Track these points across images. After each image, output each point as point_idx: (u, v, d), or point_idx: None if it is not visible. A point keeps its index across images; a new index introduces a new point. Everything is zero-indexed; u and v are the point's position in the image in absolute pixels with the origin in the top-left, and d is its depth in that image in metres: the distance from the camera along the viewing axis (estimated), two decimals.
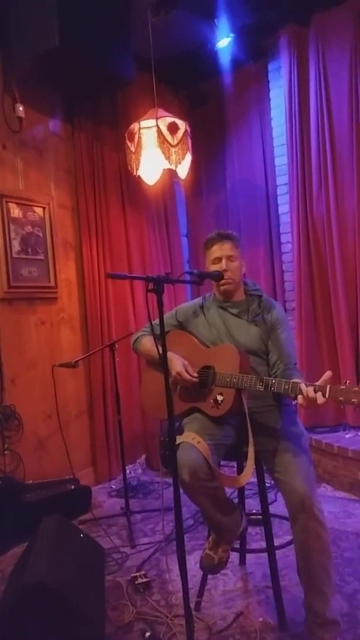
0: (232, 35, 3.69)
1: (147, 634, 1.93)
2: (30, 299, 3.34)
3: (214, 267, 2.08)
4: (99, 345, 3.52)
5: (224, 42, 3.73)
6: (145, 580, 2.28)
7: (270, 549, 1.98)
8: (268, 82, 4.03)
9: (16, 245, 3.24)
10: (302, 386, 1.66)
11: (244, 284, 2.16)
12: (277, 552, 2.04)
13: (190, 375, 1.96)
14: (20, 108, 3.29)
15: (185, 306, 2.25)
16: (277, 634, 1.89)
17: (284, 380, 1.76)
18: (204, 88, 4.39)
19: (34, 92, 3.40)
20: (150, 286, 1.65)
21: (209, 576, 2.16)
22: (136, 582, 2.27)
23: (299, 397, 1.66)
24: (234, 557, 2.37)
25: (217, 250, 2.08)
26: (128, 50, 3.31)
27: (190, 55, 3.91)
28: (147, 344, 2.15)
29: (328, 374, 1.66)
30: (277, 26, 3.71)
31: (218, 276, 2.04)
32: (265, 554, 2.04)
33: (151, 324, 1.77)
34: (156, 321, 1.69)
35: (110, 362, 3.33)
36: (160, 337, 1.69)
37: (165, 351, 1.66)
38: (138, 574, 2.33)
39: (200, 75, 4.24)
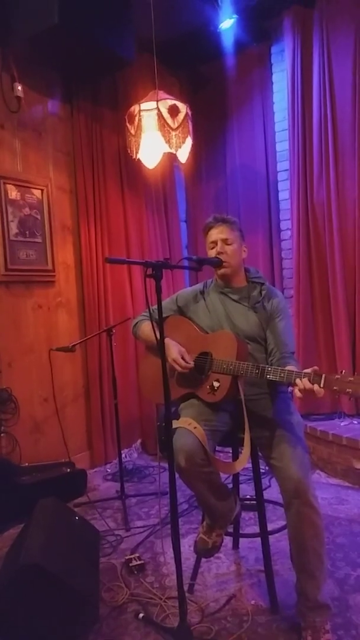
0: (235, 16, 3.62)
1: (141, 615, 1.95)
2: (27, 282, 3.32)
3: (210, 252, 2.07)
4: (96, 329, 3.52)
5: (226, 23, 3.66)
6: (139, 562, 2.30)
7: (264, 534, 2.01)
8: (271, 65, 3.98)
9: (14, 228, 3.22)
10: (298, 380, 1.65)
11: (246, 270, 2.15)
12: (270, 537, 2.06)
13: (185, 363, 1.95)
14: (19, 87, 3.23)
15: (186, 291, 2.24)
16: (268, 617, 1.92)
17: (279, 368, 1.76)
18: (205, 70, 4.33)
19: (33, 72, 3.34)
20: (149, 271, 1.64)
21: (203, 559, 2.19)
22: (130, 565, 2.29)
23: (296, 389, 1.66)
24: (228, 541, 2.39)
25: (213, 234, 2.07)
26: (129, 30, 3.25)
27: (192, 36, 3.84)
28: (146, 329, 2.14)
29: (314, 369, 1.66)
30: (281, 7, 3.66)
31: (217, 262, 2.02)
32: (259, 539, 2.06)
33: (149, 308, 1.77)
34: (156, 306, 1.68)
35: (107, 346, 3.34)
36: (159, 323, 1.69)
37: (162, 337, 1.66)
38: (132, 556, 2.35)
39: (202, 57, 4.17)
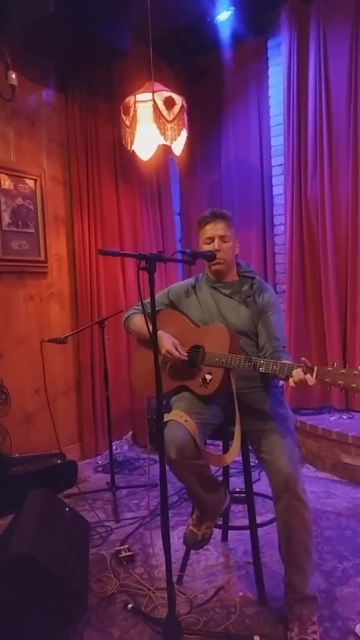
0: (232, 8, 3.61)
1: (130, 606, 1.97)
2: (20, 272, 3.30)
3: (206, 247, 2.06)
4: (88, 321, 3.51)
5: (223, 15, 3.65)
6: (128, 553, 2.32)
7: (253, 527, 2.02)
8: (267, 59, 3.96)
9: (6, 218, 3.19)
10: (293, 371, 1.66)
11: (237, 265, 2.15)
12: (258, 529, 2.08)
13: (180, 354, 1.96)
14: (13, 75, 3.19)
15: (178, 285, 2.24)
16: (256, 608, 1.94)
17: (272, 360, 1.77)
18: (201, 62, 4.30)
19: (28, 60, 3.30)
20: (142, 264, 1.63)
21: (192, 551, 2.20)
22: (120, 556, 2.30)
23: (290, 380, 1.67)
24: (217, 533, 2.41)
25: (210, 229, 2.06)
26: (125, 20, 3.23)
27: (189, 28, 3.82)
28: (138, 322, 2.14)
29: (304, 361, 1.67)
30: (278, 1, 3.64)
31: (211, 256, 2.02)
32: (247, 531, 2.08)
33: (142, 302, 1.77)
34: (148, 299, 1.68)
35: (99, 339, 3.33)
36: (151, 316, 1.69)
37: (155, 329, 1.66)
38: (122, 547, 2.36)
39: (199, 49, 4.15)
